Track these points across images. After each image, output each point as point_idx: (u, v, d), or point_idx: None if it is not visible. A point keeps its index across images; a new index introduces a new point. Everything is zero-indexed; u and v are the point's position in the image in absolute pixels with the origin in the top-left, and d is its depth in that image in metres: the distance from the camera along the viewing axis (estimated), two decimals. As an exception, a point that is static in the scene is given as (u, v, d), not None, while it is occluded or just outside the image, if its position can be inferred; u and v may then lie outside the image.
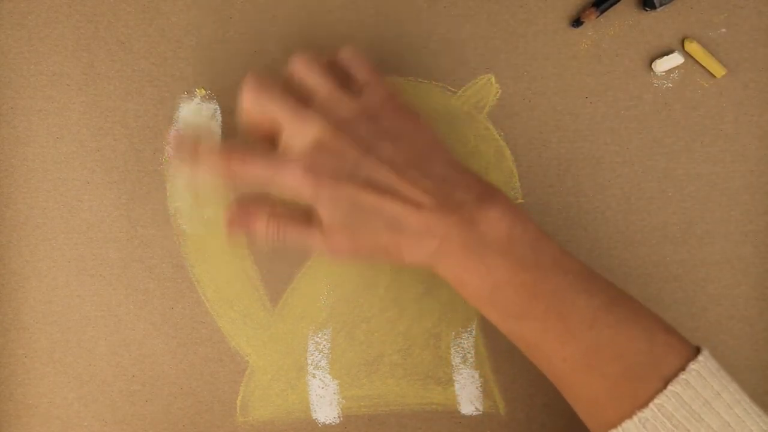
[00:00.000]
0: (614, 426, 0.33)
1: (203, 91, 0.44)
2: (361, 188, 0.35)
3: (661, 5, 0.43)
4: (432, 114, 0.44)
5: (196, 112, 0.44)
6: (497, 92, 0.44)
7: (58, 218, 0.44)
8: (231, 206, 0.38)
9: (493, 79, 0.44)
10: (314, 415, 0.44)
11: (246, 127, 0.37)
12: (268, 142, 0.37)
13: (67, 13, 0.44)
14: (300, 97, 0.36)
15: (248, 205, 0.38)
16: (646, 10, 0.44)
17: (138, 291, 0.44)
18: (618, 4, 0.44)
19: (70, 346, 0.44)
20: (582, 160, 0.44)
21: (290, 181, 0.35)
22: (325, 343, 0.44)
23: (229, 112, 0.44)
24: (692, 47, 0.44)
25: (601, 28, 0.44)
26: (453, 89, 0.45)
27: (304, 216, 0.37)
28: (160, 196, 0.44)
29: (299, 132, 0.35)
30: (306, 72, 0.37)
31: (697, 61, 0.44)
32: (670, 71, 0.44)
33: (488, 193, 0.36)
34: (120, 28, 0.44)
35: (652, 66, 0.44)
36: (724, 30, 0.44)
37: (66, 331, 0.44)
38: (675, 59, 0.43)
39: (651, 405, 0.32)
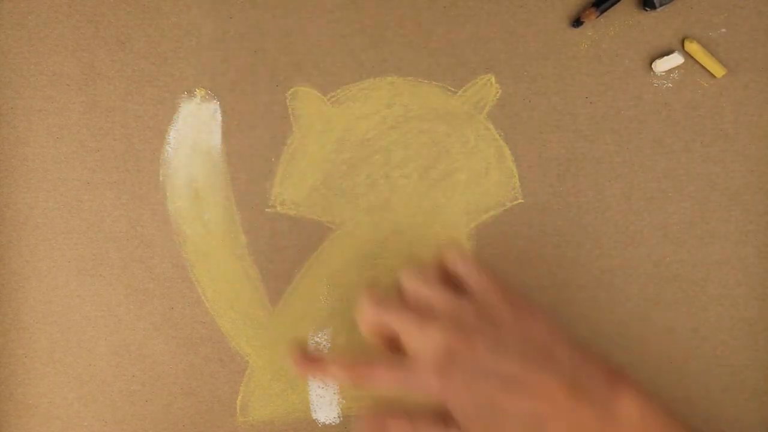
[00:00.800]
0: None
1: (203, 91, 0.44)
2: (494, 388, 0.35)
3: (661, 5, 0.43)
4: (432, 114, 0.44)
5: (195, 112, 0.44)
6: (497, 92, 0.44)
7: (58, 218, 0.44)
8: (367, 418, 0.38)
9: (493, 79, 0.44)
10: (314, 415, 0.44)
11: (367, 337, 0.39)
12: (391, 347, 0.38)
13: (67, 13, 0.44)
14: (418, 309, 0.37)
15: (384, 415, 0.38)
16: (646, 10, 0.44)
17: (138, 291, 0.44)
18: (618, 4, 0.44)
19: (70, 346, 0.44)
20: (582, 160, 0.44)
21: (424, 388, 0.36)
22: (325, 343, 0.44)
23: (229, 112, 0.44)
24: (692, 47, 0.44)
25: (601, 28, 0.44)
26: (453, 89, 0.45)
27: (440, 418, 0.37)
28: (160, 196, 0.44)
29: (424, 342, 0.36)
30: (418, 286, 0.38)
31: (697, 61, 0.44)
32: (670, 71, 0.44)
33: (616, 377, 0.36)
34: (120, 28, 0.44)
35: (652, 66, 0.44)
36: (724, 30, 0.44)
37: (66, 331, 0.44)
38: (675, 59, 0.43)
39: None
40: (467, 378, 0.35)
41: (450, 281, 0.39)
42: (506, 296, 0.38)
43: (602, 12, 0.43)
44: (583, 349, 0.38)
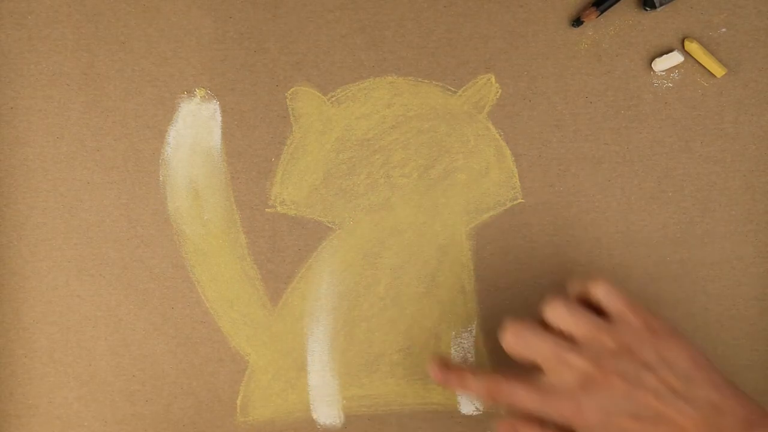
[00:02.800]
0: None
1: (203, 91, 0.44)
2: (627, 418, 0.36)
3: (661, 5, 0.43)
4: (432, 114, 0.44)
5: (195, 112, 0.44)
6: (497, 92, 0.44)
7: (58, 218, 0.44)
8: (502, 422, 0.39)
9: (493, 79, 0.44)
10: (314, 415, 0.44)
11: (511, 356, 0.39)
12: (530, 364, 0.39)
13: (67, 13, 0.44)
14: (560, 338, 0.38)
15: (517, 423, 0.39)
16: (646, 10, 0.44)
17: (138, 291, 0.44)
18: (618, 3, 0.44)
19: (70, 346, 0.44)
20: (582, 160, 0.44)
21: (558, 412, 0.37)
22: (325, 342, 0.44)
23: (229, 112, 0.44)
24: (692, 47, 0.44)
25: (601, 27, 0.44)
26: (453, 89, 0.45)
27: None
28: (160, 196, 0.44)
29: (564, 370, 0.37)
30: (561, 316, 0.39)
31: (697, 61, 0.44)
32: (670, 71, 0.44)
33: (754, 417, 0.36)
34: (120, 28, 0.44)
35: (652, 65, 0.44)
36: (724, 30, 0.44)
37: (66, 331, 0.44)
38: (675, 58, 0.43)
39: None
40: (601, 407, 0.36)
41: (591, 309, 0.39)
42: (648, 324, 0.38)
43: (602, 12, 0.43)
44: (724, 383, 0.37)
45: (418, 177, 0.44)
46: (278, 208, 0.45)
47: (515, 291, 0.45)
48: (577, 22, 0.44)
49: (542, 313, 0.39)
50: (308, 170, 0.45)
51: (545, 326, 0.39)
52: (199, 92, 0.44)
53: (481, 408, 0.44)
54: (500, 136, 0.44)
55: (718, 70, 0.44)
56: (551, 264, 0.44)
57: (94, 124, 0.44)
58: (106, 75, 0.44)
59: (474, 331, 0.44)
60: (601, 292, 0.39)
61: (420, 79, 0.44)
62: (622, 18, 0.44)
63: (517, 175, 0.44)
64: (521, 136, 0.44)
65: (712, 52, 0.44)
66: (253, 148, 0.44)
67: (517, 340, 0.38)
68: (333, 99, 0.45)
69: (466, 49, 0.44)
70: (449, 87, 0.45)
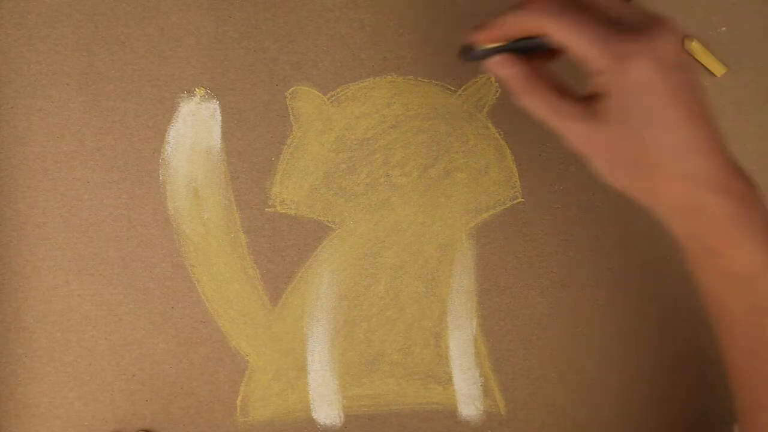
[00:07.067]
0: None
1: (203, 91, 0.44)
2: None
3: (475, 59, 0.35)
4: (432, 113, 0.44)
5: (195, 111, 0.44)
6: (497, 91, 0.44)
7: (58, 218, 0.44)
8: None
9: (492, 78, 0.44)
10: (314, 415, 0.44)
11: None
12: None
13: (67, 13, 0.44)
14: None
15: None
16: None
17: (138, 291, 0.44)
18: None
19: (70, 345, 0.44)
20: (582, 160, 0.44)
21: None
22: (325, 342, 0.44)
23: (228, 111, 0.44)
24: (692, 46, 0.44)
25: (600, 27, 0.44)
26: (453, 88, 0.45)
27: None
28: (160, 196, 0.44)
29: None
30: None
31: (697, 60, 0.44)
32: (670, 70, 0.44)
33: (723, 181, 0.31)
34: (120, 27, 0.44)
35: (652, 65, 0.44)
36: (724, 29, 0.44)
37: (66, 331, 0.44)
38: (675, 58, 0.43)
39: None
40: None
41: None
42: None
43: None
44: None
45: (418, 176, 0.44)
46: (278, 208, 0.45)
47: (515, 291, 0.44)
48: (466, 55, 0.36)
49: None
50: (308, 170, 0.45)
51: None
52: (199, 92, 0.44)
53: (481, 408, 0.44)
54: (500, 135, 0.44)
55: (718, 69, 0.44)
56: (551, 264, 0.44)
57: (94, 123, 0.44)
58: (106, 75, 0.44)
59: (474, 331, 0.44)
60: None
61: (420, 79, 0.44)
62: (622, 17, 0.44)
63: (517, 174, 0.44)
64: (521, 135, 0.44)
65: (712, 50, 0.44)
66: (253, 148, 0.44)
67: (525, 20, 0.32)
68: (333, 98, 0.45)
69: (466, 48, 0.44)
70: (449, 86, 0.45)
